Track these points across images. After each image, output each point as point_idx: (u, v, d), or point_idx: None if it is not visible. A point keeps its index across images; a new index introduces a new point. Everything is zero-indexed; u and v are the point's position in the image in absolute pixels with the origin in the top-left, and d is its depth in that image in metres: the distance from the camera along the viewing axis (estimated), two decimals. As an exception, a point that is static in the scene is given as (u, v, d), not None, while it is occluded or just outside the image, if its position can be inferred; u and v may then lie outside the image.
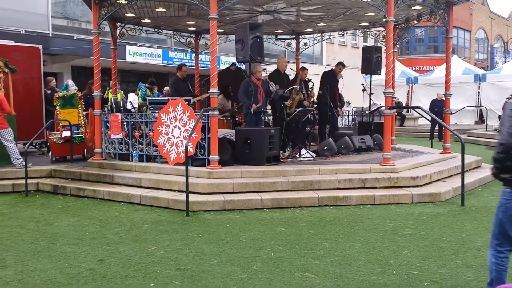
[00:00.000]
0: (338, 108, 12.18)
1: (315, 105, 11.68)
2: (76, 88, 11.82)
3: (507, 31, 53.40)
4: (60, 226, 6.84)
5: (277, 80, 10.81)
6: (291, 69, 12.43)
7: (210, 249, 5.68)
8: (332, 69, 12.10)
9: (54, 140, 10.98)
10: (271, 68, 12.96)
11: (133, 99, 15.91)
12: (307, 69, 11.64)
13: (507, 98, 19.15)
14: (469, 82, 24.49)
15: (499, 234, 3.84)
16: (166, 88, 16.29)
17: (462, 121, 24.10)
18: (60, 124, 11.22)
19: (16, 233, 6.51)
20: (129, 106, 11.60)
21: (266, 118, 12.41)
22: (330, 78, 11.63)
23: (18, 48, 12.28)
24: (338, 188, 8.36)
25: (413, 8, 10.83)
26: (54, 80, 13.54)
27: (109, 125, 10.07)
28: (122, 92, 14.51)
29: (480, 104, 24.18)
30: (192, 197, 7.60)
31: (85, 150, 11.31)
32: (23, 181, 9.18)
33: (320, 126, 11.81)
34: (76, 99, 11.37)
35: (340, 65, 11.94)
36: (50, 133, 11.22)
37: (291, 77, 11.72)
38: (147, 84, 15.25)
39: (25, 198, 8.92)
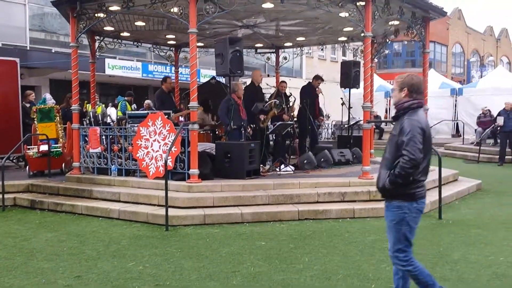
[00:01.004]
0: (321, 117, 12.17)
1: (295, 119, 11.74)
2: (54, 101, 11.73)
3: (483, 46, 54.41)
4: (38, 242, 6.74)
5: (253, 93, 10.84)
6: (267, 84, 12.47)
7: (189, 264, 5.65)
8: (309, 82, 12.15)
9: (32, 154, 10.84)
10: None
11: (111, 113, 15.79)
12: (285, 82, 11.73)
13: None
14: (445, 96, 24.82)
15: (407, 245, 3.96)
16: (147, 102, 16.24)
17: (439, 135, 24.37)
18: (38, 138, 11.10)
19: (-9, 249, 6.40)
20: (108, 120, 11.53)
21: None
22: (309, 92, 11.68)
23: (-5, 61, 12.19)
24: (318, 202, 8.39)
25: (390, 23, 11.01)
26: (33, 94, 13.43)
27: (87, 139, 9.99)
28: (103, 105, 14.40)
29: (457, 118, 24.51)
30: (172, 212, 7.56)
31: (63, 165, 11.17)
32: (0, 196, 9.04)
33: (300, 140, 11.86)
34: (54, 112, 11.27)
35: (319, 79, 11.85)
36: (28, 147, 11.07)
37: (265, 91, 11.76)
38: (126, 98, 15.17)
39: (1, 213, 8.77)
